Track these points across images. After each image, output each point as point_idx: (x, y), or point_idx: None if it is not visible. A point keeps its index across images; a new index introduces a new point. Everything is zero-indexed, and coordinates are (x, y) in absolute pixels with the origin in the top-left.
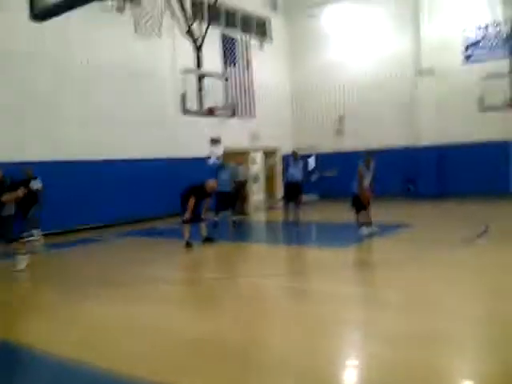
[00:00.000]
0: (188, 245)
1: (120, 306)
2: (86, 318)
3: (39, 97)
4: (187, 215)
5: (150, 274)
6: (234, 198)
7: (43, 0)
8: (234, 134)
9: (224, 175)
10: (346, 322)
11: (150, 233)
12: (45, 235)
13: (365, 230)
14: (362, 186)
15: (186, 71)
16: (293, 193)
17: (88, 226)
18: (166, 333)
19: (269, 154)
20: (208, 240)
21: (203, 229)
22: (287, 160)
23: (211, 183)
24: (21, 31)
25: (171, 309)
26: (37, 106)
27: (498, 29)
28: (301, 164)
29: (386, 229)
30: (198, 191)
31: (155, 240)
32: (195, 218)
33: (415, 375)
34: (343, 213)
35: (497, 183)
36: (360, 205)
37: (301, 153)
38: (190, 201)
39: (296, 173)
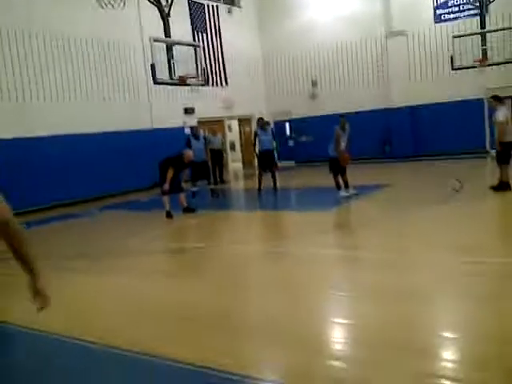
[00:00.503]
0: (168, 215)
1: (104, 277)
2: (70, 292)
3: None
4: (166, 186)
5: (131, 245)
6: (212, 166)
7: None
8: (208, 102)
9: (198, 144)
10: (329, 282)
11: (130, 206)
12: (22, 213)
13: (343, 193)
14: (339, 149)
15: (155, 40)
16: (267, 161)
17: (65, 202)
18: (150, 303)
19: (244, 121)
20: (188, 210)
21: (183, 199)
22: (256, 129)
23: (189, 153)
24: None
25: (155, 279)
26: (7, 81)
27: None
28: (270, 131)
29: (364, 190)
30: (176, 162)
31: (135, 212)
32: (174, 189)
33: (398, 330)
34: (321, 177)
35: (472, 141)
36: (338, 168)
37: (277, 119)
38: (168, 172)
39: (266, 141)
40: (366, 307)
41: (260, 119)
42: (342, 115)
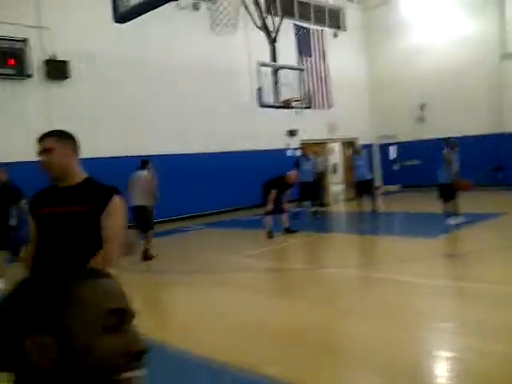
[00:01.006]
0: (269, 235)
1: (204, 291)
2: (176, 303)
3: (123, 98)
4: (269, 207)
5: (233, 262)
6: (316, 188)
7: (126, 2)
8: (312, 125)
9: (306, 166)
10: (432, 312)
11: (233, 224)
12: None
13: (452, 221)
14: (454, 173)
15: (262, 65)
16: (364, 187)
17: (173, 218)
18: (248, 320)
19: (347, 143)
20: (289, 231)
21: (285, 220)
22: (353, 156)
23: (292, 175)
24: (102, 33)
25: (253, 296)
26: (121, 107)
27: None
28: (365, 157)
29: (474, 218)
30: (279, 183)
31: (238, 230)
32: (277, 210)
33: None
34: (427, 203)
35: None
36: (448, 194)
37: (382, 142)
38: (271, 193)
39: (362, 166)
40: (468, 340)
41: (355, 147)
42: (449, 138)
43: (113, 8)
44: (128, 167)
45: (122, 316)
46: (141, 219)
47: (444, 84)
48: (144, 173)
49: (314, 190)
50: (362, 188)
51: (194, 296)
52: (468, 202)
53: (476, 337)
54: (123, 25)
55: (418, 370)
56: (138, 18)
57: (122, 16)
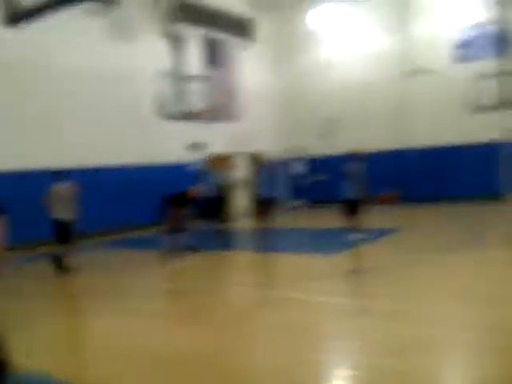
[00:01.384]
0: (169, 254)
1: (100, 319)
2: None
3: (14, 104)
4: (167, 226)
5: (131, 285)
6: (219, 204)
7: (17, 4)
8: (218, 137)
9: (209, 180)
10: (335, 332)
11: (129, 243)
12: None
13: (353, 236)
14: (361, 187)
15: (167, 74)
16: (269, 206)
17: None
18: (142, 349)
19: (255, 158)
20: (191, 249)
21: (186, 238)
22: (259, 170)
23: (192, 191)
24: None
25: (150, 322)
26: (14, 112)
27: (487, 29)
28: (270, 173)
29: (375, 234)
30: (179, 200)
31: (133, 251)
32: (177, 228)
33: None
34: (333, 218)
35: (486, 185)
36: (352, 209)
37: (291, 156)
38: (170, 211)
39: (264, 183)
40: (370, 359)
41: (255, 156)
42: (355, 152)
43: (4, 10)
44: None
45: None
46: (61, 232)
47: (352, 99)
48: (65, 184)
49: (218, 205)
50: (265, 205)
51: (80, 323)
52: (370, 218)
53: (377, 355)
54: (20, 29)
55: None
56: (36, 23)
57: (14, 19)
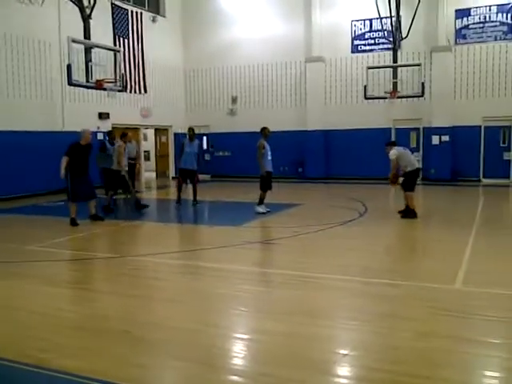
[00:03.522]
0: (73, 222)
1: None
2: None
3: None
4: (62, 172)
5: (31, 251)
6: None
7: None
8: (125, 109)
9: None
10: (233, 297)
11: (36, 210)
12: None
13: (260, 209)
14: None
15: (73, 41)
16: (188, 175)
17: None
18: (47, 314)
19: (160, 131)
20: (96, 218)
21: (92, 206)
22: (181, 140)
23: (86, 133)
24: None
25: (52, 288)
26: None
27: (383, 22)
28: (196, 144)
29: (276, 208)
30: (74, 149)
31: (40, 217)
32: (85, 195)
33: (297, 347)
34: (236, 192)
35: (381, 168)
36: (266, 185)
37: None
38: (63, 160)
39: (190, 154)
40: (266, 324)
41: (191, 129)
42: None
43: None
44: None
45: None
46: None
47: (254, 80)
48: None
49: (121, 176)
50: (185, 176)
51: None
52: (274, 194)
53: (268, 319)
54: None
55: (216, 352)
56: None
57: None
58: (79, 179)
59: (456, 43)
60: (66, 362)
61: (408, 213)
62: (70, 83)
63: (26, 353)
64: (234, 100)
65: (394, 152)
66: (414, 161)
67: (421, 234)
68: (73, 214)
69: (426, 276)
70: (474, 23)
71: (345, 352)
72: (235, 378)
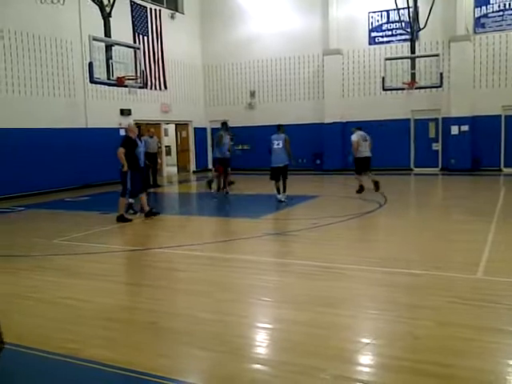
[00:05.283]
0: (124, 219)
1: (23, 276)
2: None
3: None
4: (124, 166)
5: (57, 244)
6: (148, 170)
7: None
8: (145, 105)
9: (139, 147)
10: (255, 287)
11: (58, 205)
12: None
13: (281, 197)
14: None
15: (94, 39)
16: (226, 165)
17: None
18: (73, 306)
19: (181, 126)
20: (152, 213)
21: (144, 201)
22: (217, 132)
23: (131, 126)
24: None
25: (77, 281)
26: None
27: (400, 13)
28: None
29: (295, 200)
30: (128, 142)
31: (61, 212)
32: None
33: (317, 336)
34: (254, 185)
35: (398, 158)
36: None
37: (214, 126)
38: (120, 151)
39: (227, 145)
40: (288, 313)
41: (224, 123)
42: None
43: None
44: None
45: None
46: None
47: (272, 74)
48: None
49: (147, 172)
50: (225, 165)
51: (11, 281)
52: (292, 186)
53: (290, 308)
54: None
55: (239, 341)
56: None
57: None
58: (137, 173)
59: (475, 32)
60: (94, 352)
61: (362, 189)
62: (92, 81)
63: (55, 344)
64: (253, 94)
65: (353, 136)
66: (364, 150)
67: (442, 224)
68: (122, 210)
69: (448, 265)
70: (493, 11)
71: (366, 341)
72: (258, 366)
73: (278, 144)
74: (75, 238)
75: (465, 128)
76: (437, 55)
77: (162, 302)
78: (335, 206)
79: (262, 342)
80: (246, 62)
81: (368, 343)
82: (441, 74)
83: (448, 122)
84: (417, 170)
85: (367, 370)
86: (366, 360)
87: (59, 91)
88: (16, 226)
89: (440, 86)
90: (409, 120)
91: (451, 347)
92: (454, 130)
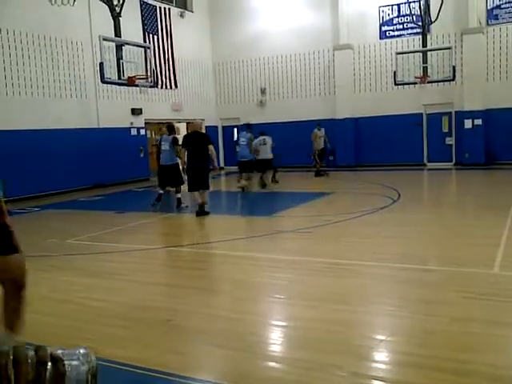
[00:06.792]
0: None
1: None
2: None
3: None
4: (181, 164)
5: (70, 244)
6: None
7: None
8: (156, 104)
9: (166, 146)
10: (270, 285)
11: (71, 205)
12: None
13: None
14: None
15: (104, 39)
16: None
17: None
18: (89, 305)
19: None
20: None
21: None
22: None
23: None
24: None
25: (93, 280)
26: None
27: (411, 7)
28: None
29: (307, 197)
30: (185, 139)
31: (74, 212)
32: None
33: (333, 333)
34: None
35: (411, 153)
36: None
37: (225, 124)
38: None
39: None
40: (302, 311)
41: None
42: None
43: None
44: None
45: None
46: None
47: (283, 70)
48: None
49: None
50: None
51: (28, 281)
52: (305, 183)
53: (305, 305)
54: None
55: (254, 339)
56: None
57: None
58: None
59: (488, 24)
60: (110, 351)
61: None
62: (103, 81)
63: (71, 342)
64: (263, 91)
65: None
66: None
67: (456, 220)
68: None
69: (463, 261)
70: (506, 2)
71: (382, 337)
72: (273, 363)
73: (243, 141)
74: (91, 237)
75: (478, 121)
76: (449, 48)
77: (177, 300)
78: (349, 202)
79: (277, 339)
80: (256, 58)
81: (384, 340)
82: (453, 67)
83: (461, 115)
84: (430, 165)
85: (383, 366)
86: (382, 357)
87: (71, 92)
88: (32, 227)
89: (453, 80)
90: (421, 114)
91: (467, 343)
92: (468, 123)
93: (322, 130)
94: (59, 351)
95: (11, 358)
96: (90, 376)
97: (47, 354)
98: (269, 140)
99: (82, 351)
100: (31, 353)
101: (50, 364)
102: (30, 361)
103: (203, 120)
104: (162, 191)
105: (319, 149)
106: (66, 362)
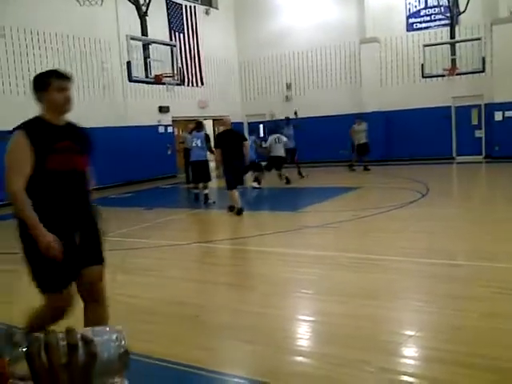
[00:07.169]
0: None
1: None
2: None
3: None
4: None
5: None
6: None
7: None
8: (183, 101)
9: (197, 142)
10: (296, 280)
11: (102, 202)
12: None
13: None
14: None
15: (132, 38)
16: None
17: None
18: (120, 301)
19: (218, 121)
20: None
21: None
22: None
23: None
24: None
25: (124, 277)
26: None
27: None
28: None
29: (334, 192)
30: (220, 138)
31: (105, 209)
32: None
33: (361, 328)
34: (291, 178)
35: (440, 147)
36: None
37: (251, 120)
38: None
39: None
40: (329, 306)
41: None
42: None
43: None
44: None
45: None
46: None
47: (308, 65)
48: None
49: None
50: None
51: None
52: (333, 177)
53: (332, 301)
54: None
55: (281, 334)
56: None
57: None
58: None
59: None
60: (140, 345)
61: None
62: (131, 79)
63: None
64: (289, 86)
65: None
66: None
67: (485, 214)
68: (232, 202)
69: (492, 256)
70: None
71: (410, 333)
72: (300, 358)
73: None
74: (121, 233)
75: (509, 114)
76: (478, 39)
77: (205, 296)
78: (377, 197)
79: (304, 334)
80: (282, 54)
81: (412, 335)
82: (483, 58)
83: (491, 107)
84: (459, 159)
85: (412, 362)
86: (410, 352)
87: (99, 90)
88: None
89: (482, 71)
90: (450, 107)
91: (497, 339)
92: (498, 116)
93: (364, 124)
94: (89, 331)
95: (43, 344)
96: (122, 354)
97: (77, 337)
98: (283, 138)
99: (112, 329)
100: (62, 337)
101: (81, 346)
102: (61, 344)
103: (228, 116)
104: (197, 190)
105: (358, 143)
106: (97, 340)
